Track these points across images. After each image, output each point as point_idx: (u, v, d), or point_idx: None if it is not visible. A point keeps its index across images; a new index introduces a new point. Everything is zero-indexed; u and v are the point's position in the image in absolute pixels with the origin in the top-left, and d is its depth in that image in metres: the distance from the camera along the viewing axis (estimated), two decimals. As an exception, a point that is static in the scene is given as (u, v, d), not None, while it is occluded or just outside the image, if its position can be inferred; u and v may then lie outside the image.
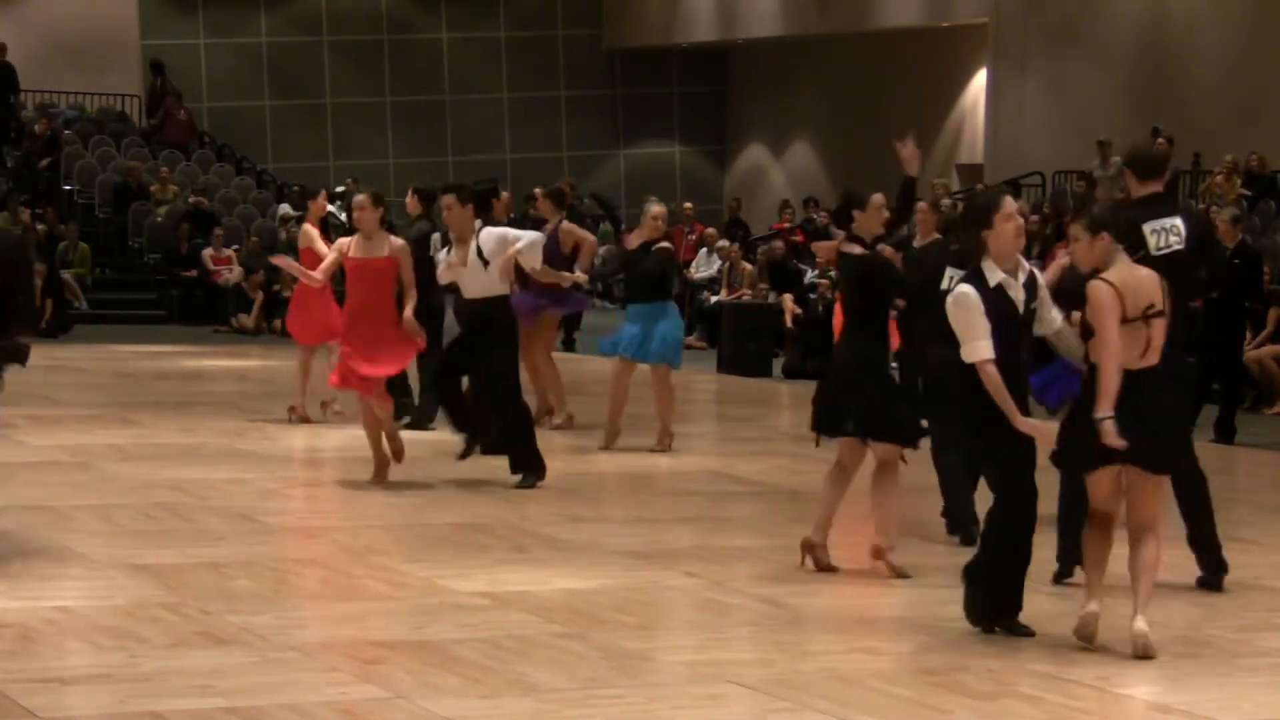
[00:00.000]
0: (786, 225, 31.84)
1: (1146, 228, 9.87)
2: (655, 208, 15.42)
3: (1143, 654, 8.45)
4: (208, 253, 30.81)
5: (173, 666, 7.95)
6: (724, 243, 29.76)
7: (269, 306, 28.94)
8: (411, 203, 16.95)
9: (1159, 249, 9.85)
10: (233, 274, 30.29)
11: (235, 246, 31.22)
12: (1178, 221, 9.98)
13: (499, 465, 14.07)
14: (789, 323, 25.31)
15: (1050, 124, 31.42)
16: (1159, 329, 8.51)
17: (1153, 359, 8.46)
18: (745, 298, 27.18)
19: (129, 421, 16.75)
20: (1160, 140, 27.15)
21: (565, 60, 39.80)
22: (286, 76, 38.09)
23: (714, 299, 28.31)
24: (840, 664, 8.30)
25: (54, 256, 29.52)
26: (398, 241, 13.36)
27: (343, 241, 13.54)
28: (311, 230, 16.83)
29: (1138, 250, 9.26)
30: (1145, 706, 7.80)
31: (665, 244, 15.45)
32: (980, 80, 34.07)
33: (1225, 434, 17.50)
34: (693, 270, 29.80)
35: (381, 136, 38.61)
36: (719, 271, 29.17)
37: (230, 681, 7.71)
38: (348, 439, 15.88)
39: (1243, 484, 15.94)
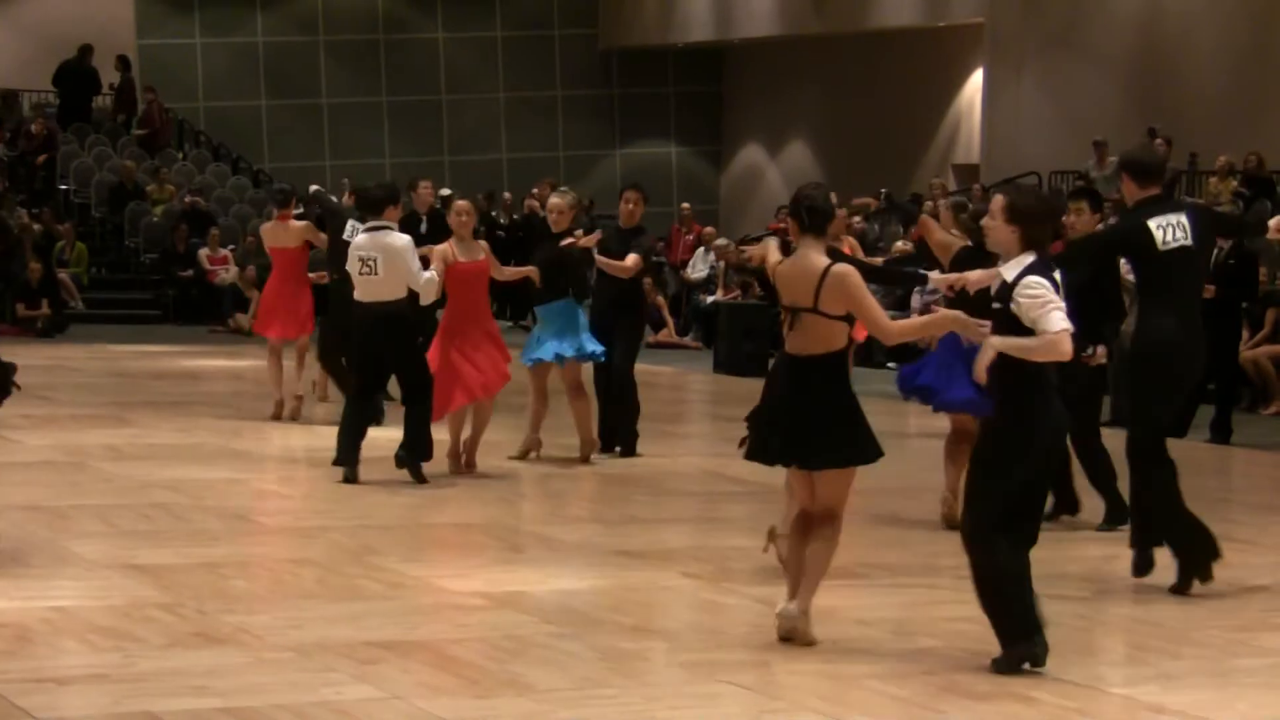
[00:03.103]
0: (782, 225, 31.85)
1: (1153, 223, 9.96)
2: (554, 198, 14.55)
3: (788, 636, 8.53)
4: (204, 252, 30.83)
5: (168, 666, 7.95)
6: (721, 241, 29.77)
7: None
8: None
9: (1165, 244, 9.96)
10: (229, 273, 30.30)
11: (231, 246, 31.23)
12: (1183, 218, 10.07)
13: (498, 466, 14.09)
14: (785, 323, 25.29)
15: (1046, 124, 31.42)
16: (799, 324, 8.52)
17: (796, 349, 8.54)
18: (740, 298, 27.17)
19: (125, 421, 16.74)
20: (1158, 141, 27.18)
21: (561, 60, 39.79)
22: (283, 76, 38.07)
23: (709, 299, 28.31)
24: (836, 664, 8.30)
25: (51, 256, 29.53)
26: (484, 244, 14.02)
27: (442, 247, 13.88)
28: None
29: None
30: (1140, 707, 7.80)
31: (570, 238, 14.39)
32: (976, 80, 34.07)
33: (1221, 434, 17.51)
34: (689, 271, 29.82)
35: (378, 136, 38.59)
36: (712, 270, 29.18)
37: (226, 682, 7.71)
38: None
39: (1238, 484, 15.96)
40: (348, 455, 13.37)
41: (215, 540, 11.07)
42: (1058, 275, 8.19)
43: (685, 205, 33.25)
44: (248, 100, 37.87)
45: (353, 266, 13.38)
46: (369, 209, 13.61)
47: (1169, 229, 9.98)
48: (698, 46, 39.27)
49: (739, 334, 24.28)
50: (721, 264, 28.89)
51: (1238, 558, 11.38)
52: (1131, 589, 10.28)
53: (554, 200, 14.54)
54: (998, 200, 8.32)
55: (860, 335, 16.63)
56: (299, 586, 9.85)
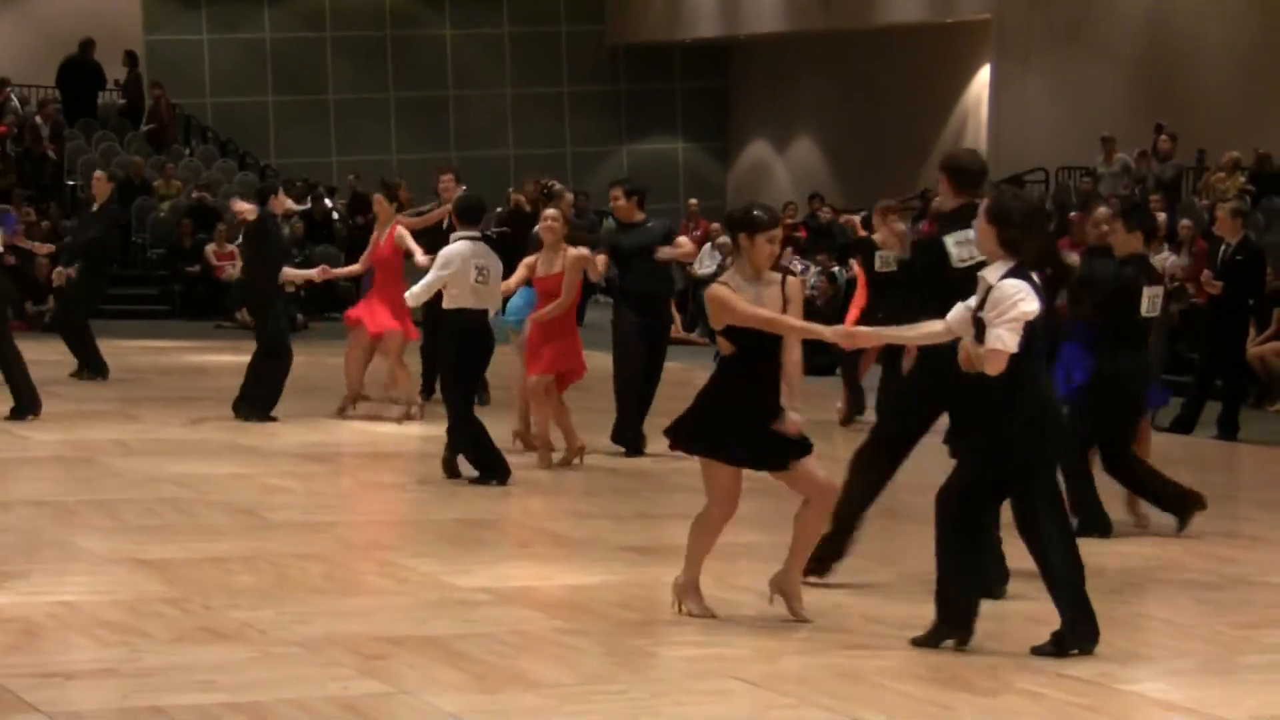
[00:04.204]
0: (789, 222, 31.84)
1: (949, 239, 9.37)
2: (549, 209, 14.36)
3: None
4: (210, 248, 30.83)
5: (175, 661, 7.96)
6: (725, 239, 29.75)
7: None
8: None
9: (962, 260, 9.30)
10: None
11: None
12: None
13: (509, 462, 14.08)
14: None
15: (1054, 120, 31.42)
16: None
17: None
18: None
19: (132, 417, 16.75)
20: (1163, 137, 27.17)
21: (568, 56, 39.81)
22: (290, 72, 38.10)
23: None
24: (843, 660, 8.30)
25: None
26: (572, 252, 13.94)
27: (529, 260, 14.06)
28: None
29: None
30: (1148, 703, 7.80)
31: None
32: (984, 76, 34.07)
33: (1228, 430, 17.51)
34: (696, 266, 29.79)
35: (385, 132, 38.61)
36: (720, 267, 29.16)
37: (233, 676, 7.71)
38: (351, 434, 15.90)
39: (1245, 480, 15.96)
40: (497, 465, 13.17)
41: (222, 535, 11.08)
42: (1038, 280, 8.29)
43: (692, 201, 33.24)
44: (255, 96, 37.89)
45: (466, 275, 12.92)
46: (473, 218, 13.28)
47: (966, 245, 9.25)
48: (704, 42, 39.27)
49: (745, 330, 24.22)
50: (729, 260, 28.86)
51: (1246, 554, 11.38)
52: (1138, 586, 10.28)
53: (550, 211, 14.51)
54: (986, 199, 8.50)
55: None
56: (306, 581, 9.85)
